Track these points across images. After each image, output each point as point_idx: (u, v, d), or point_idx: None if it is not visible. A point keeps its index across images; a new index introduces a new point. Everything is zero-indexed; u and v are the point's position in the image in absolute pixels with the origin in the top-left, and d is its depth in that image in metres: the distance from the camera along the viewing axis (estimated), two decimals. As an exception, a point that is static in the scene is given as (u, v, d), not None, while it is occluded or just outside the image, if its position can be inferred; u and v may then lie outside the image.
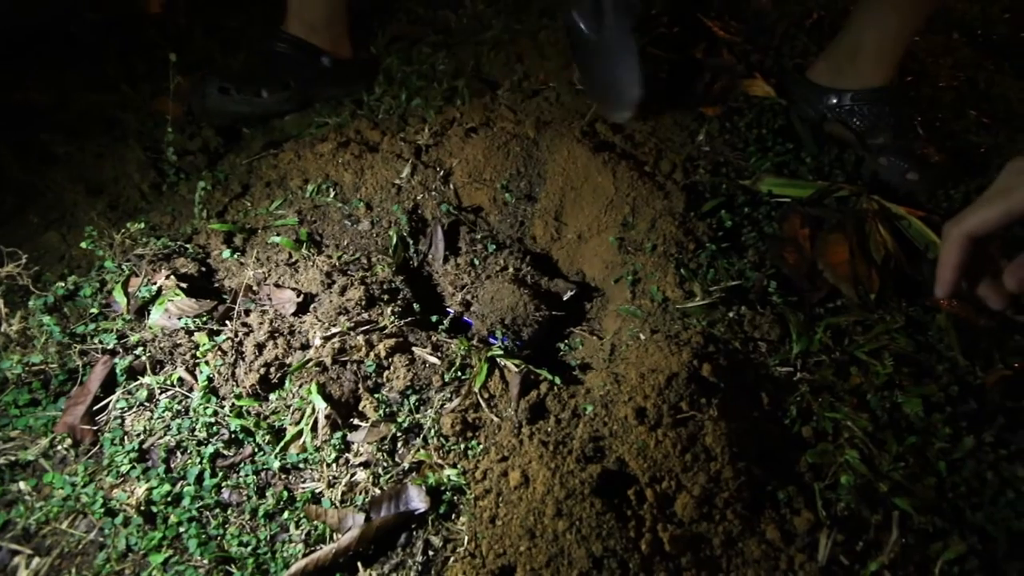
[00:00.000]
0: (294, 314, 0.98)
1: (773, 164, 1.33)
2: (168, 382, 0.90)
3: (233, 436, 0.85)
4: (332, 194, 1.22)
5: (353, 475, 0.83)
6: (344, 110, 1.45)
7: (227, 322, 0.96)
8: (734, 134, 1.40)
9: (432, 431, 0.87)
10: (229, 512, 0.80)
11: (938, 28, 1.80)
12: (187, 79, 1.50)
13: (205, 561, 0.75)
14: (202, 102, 1.36)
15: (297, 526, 0.79)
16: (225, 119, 1.39)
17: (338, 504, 0.80)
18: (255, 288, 1.02)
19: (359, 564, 0.76)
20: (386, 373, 0.92)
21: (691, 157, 1.33)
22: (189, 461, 0.83)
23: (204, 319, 0.95)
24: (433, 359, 0.94)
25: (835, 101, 1.37)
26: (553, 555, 0.71)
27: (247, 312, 0.97)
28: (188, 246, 1.11)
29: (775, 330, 1.02)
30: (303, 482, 0.83)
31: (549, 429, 0.86)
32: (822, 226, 1.20)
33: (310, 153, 1.30)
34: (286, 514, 0.80)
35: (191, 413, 0.87)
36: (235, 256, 1.10)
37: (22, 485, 0.81)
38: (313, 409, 0.86)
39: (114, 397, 0.88)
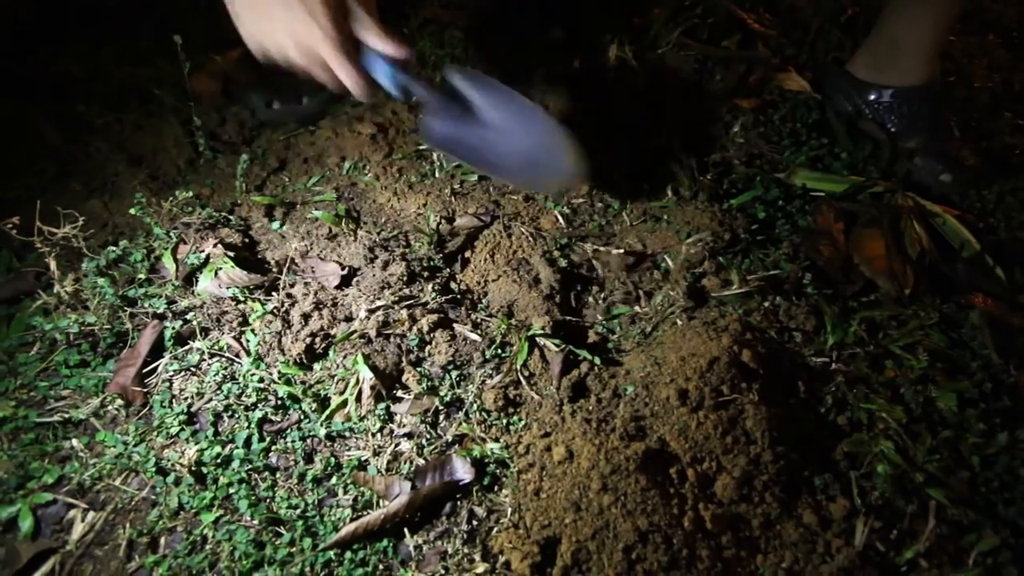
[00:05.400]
0: (337, 287, 0.99)
1: (807, 158, 1.33)
2: (216, 348, 0.91)
3: (280, 403, 0.87)
4: (369, 172, 1.23)
5: (398, 445, 0.85)
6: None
7: (273, 292, 0.97)
8: (768, 127, 1.40)
9: (474, 406, 0.89)
10: (277, 476, 0.81)
11: (973, 29, 1.79)
12: (224, 58, 1.51)
13: (255, 522, 0.77)
14: (254, 115, 1.37)
15: (345, 491, 0.80)
16: (276, 124, 1.40)
17: (384, 472, 0.82)
18: (298, 261, 1.03)
19: (406, 530, 0.78)
20: (428, 347, 0.94)
21: (725, 148, 1.34)
22: (237, 425, 0.85)
23: (251, 288, 0.97)
24: (474, 336, 0.95)
25: (874, 97, 1.36)
26: (599, 528, 0.73)
27: (292, 283, 0.99)
28: (231, 217, 1.12)
29: (810, 321, 1.03)
30: (348, 450, 0.85)
31: (591, 407, 0.87)
32: (856, 221, 1.20)
33: (347, 131, 1.31)
34: (333, 479, 0.81)
35: (239, 379, 0.88)
36: (279, 228, 1.11)
37: (75, 442, 0.82)
38: (358, 379, 0.87)
39: (163, 360, 0.90)
